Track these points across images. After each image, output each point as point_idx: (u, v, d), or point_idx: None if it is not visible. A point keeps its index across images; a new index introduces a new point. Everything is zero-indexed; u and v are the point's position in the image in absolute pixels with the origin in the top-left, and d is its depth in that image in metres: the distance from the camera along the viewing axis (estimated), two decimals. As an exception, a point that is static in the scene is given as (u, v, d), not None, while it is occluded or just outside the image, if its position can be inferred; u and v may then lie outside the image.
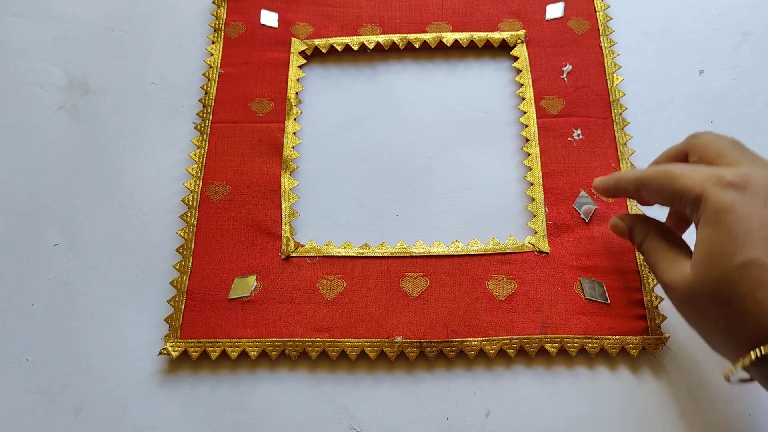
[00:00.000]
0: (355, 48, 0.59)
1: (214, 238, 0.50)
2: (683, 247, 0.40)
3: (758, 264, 0.33)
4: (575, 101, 0.55)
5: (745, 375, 0.35)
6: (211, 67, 0.58)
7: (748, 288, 0.33)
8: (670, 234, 0.42)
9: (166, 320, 0.47)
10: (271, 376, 0.46)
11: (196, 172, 0.53)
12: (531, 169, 0.53)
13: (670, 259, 0.39)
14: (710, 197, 0.35)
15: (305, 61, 0.59)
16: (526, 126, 0.54)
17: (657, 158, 0.44)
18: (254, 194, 0.52)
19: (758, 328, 0.33)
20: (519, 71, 0.57)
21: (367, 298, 0.48)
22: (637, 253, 0.49)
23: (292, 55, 0.58)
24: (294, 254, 0.50)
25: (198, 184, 0.53)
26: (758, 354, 0.33)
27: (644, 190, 0.40)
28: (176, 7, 0.63)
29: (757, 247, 0.33)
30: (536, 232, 0.50)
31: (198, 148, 0.54)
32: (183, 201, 0.52)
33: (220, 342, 0.47)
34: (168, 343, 0.46)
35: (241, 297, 0.48)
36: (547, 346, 0.45)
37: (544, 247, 0.49)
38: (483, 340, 0.46)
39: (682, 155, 0.41)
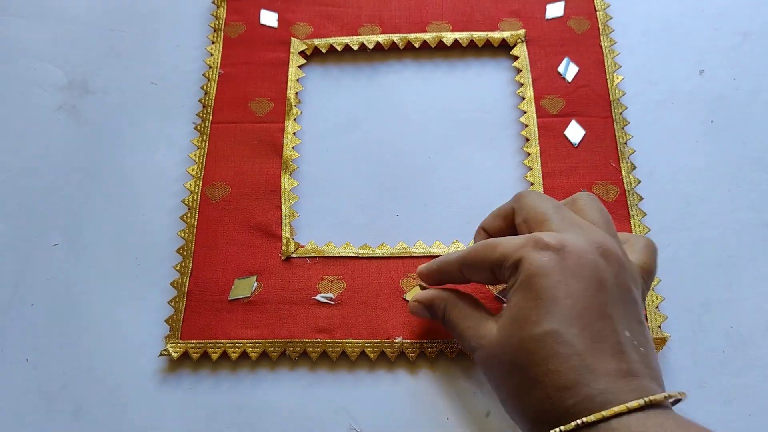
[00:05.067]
0: (355, 48, 0.59)
1: (215, 239, 0.50)
2: (486, 310, 0.40)
3: (556, 334, 0.32)
4: (575, 101, 0.55)
5: None
6: (210, 67, 0.58)
7: (543, 357, 0.32)
8: (470, 299, 0.41)
9: (166, 321, 0.47)
10: (272, 376, 0.46)
11: (196, 172, 0.53)
12: (531, 169, 0.52)
13: (475, 321, 0.38)
14: (527, 259, 0.34)
15: (305, 61, 0.59)
16: (526, 126, 0.54)
17: (486, 218, 0.43)
18: (254, 195, 0.52)
19: (544, 400, 0.32)
20: (519, 71, 0.57)
21: (367, 299, 0.48)
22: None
23: (291, 55, 0.58)
24: (294, 255, 0.50)
25: (198, 185, 0.53)
26: None
27: (466, 268, 0.39)
28: (176, 7, 0.63)
29: (557, 318, 0.33)
30: (536, 232, 0.50)
31: (198, 148, 0.54)
32: (183, 202, 0.52)
33: (220, 343, 0.47)
34: (169, 344, 0.46)
35: (242, 298, 0.48)
36: (547, 347, 0.45)
37: (544, 247, 0.49)
38: (483, 341, 0.46)
39: (510, 213, 0.41)
